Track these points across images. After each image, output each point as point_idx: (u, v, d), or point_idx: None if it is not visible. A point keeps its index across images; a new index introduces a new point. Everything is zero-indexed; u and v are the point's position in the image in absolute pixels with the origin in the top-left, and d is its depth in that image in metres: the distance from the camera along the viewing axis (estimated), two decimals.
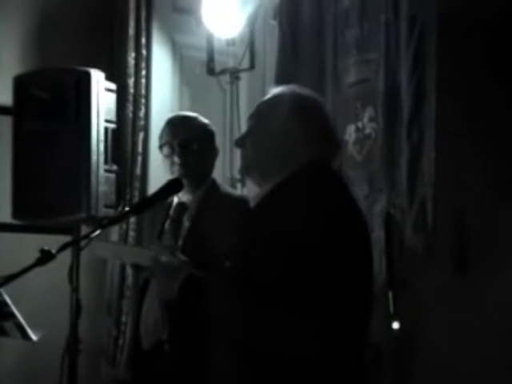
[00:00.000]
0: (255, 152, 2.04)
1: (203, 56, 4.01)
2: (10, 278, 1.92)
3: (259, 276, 1.85)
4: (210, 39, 3.96)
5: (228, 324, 1.89)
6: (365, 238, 1.99)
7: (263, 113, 2.05)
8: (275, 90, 2.08)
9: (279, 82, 3.69)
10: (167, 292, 1.97)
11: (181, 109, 3.95)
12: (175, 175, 2.73)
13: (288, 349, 1.83)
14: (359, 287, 1.93)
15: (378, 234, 3.24)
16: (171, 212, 2.83)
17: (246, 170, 2.09)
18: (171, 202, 2.83)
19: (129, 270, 3.92)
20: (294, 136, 1.98)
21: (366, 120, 3.41)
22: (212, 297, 1.90)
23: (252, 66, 3.96)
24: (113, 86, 3.39)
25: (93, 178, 3.22)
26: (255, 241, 1.91)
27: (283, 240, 1.85)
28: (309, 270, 1.83)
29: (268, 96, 2.08)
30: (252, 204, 2.05)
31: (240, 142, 2.10)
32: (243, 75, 3.99)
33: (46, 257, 1.94)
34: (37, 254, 1.95)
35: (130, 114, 3.96)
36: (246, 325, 1.86)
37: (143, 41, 4.02)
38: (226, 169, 3.92)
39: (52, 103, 3.27)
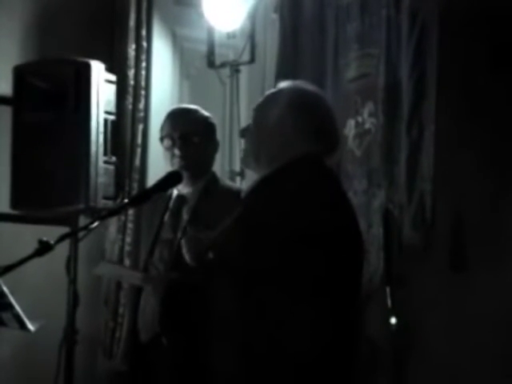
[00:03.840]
0: (252, 143, 2.07)
1: (203, 49, 4.01)
2: (7, 269, 1.92)
3: (241, 264, 1.87)
4: (210, 32, 3.95)
5: (217, 319, 1.90)
6: (353, 232, 2.00)
7: (264, 105, 2.09)
8: (281, 84, 2.11)
9: (279, 75, 3.69)
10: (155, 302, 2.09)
11: (180, 101, 3.94)
12: (175, 167, 2.73)
13: (278, 342, 1.84)
14: (346, 281, 1.94)
15: (376, 230, 3.24)
16: (171, 204, 2.83)
17: (244, 161, 2.13)
18: (171, 194, 2.83)
19: (127, 262, 3.93)
20: (287, 130, 2.01)
21: (365, 115, 3.41)
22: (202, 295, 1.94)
23: (252, 60, 3.95)
24: (113, 77, 3.39)
25: (92, 169, 3.22)
26: (239, 232, 1.93)
27: (266, 231, 1.87)
28: (288, 259, 1.85)
29: (273, 89, 2.11)
30: (242, 195, 2.08)
31: (243, 133, 2.14)
32: (243, 68, 3.98)
33: (44, 248, 1.94)
34: (35, 245, 1.95)
35: (130, 106, 3.95)
36: (232, 322, 1.87)
37: (144, 32, 4.01)
38: (225, 162, 3.92)
39: (52, 94, 3.26)
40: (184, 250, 2.23)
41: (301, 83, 2.12)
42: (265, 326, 1.84)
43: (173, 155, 2.78)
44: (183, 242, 2.35)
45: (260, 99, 2.12)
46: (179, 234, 2.75)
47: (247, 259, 1.87)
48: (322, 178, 2.02)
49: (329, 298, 1.88)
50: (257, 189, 2.02)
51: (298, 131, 2.01)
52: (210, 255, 2.01)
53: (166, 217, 2.82)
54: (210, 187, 2.80)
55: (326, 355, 1.89)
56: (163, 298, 2.46)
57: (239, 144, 3.76)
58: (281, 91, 2.08)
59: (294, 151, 2.00)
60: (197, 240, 2.22)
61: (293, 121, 2.01)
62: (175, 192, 2.83)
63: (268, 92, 2.13)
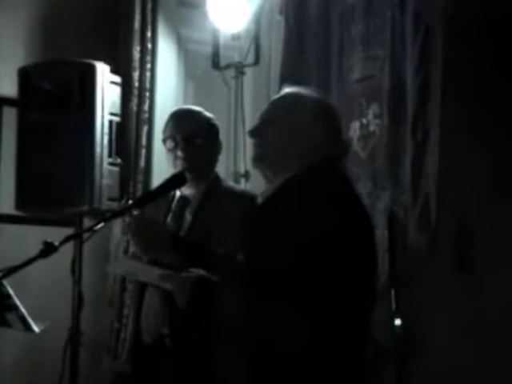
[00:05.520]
0: (271, 145, 2.08)
1: (208, 50, 4.01)
2: (12, 270, 1.93)
3: (269, 269, 1.88)
4: (215, 33, 3.96)
5: (237, 321, 1.91)
6: (369, 235, 2.04)
7: (285, 110, 2.11)
8: (290, 90, 2.16)
9: (284, 77, 3.69)
10: (179, 302, 2.06)
11: (185, 103, 3.94)
12: (178, 169, 2.73)
13: (293, 343, 1.85)
14: (362, 284, 1.96)
15: (381, 232, 3.23)
16: (173, 205, 2.83)
17: (259, 161, 2.13)
18: (173, 195, 2.83)
19: None
20: (313, 137, 2.06)
21: (370, 117, 3.40)
22: (225, 296, 1.94)
23: (257, 61, 3.95)
24: (117, 79, 3.40)
25: (96, 170, 3.22)
26: (266, 235, 1.94)
27: (292, 235, 1.89)
28: (313, 264, 1.87)
29: (285, 94, 2.15)
30: (261, 199, 2.09)
31: (254, 133, 2.14)
32: (248, 70, 3.98)
33: (48, 249, 1.94)
34: (40, 246, 1.96)
35: (135, 108, 3.96)
36: (256, 322, 1.88)
37: (149, 34, 4.02)
38: (229, 164, 3.92)
39: (56, 95, 3.27)
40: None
41: (307, 90, 2.18)
42: (283, 326, 1.85)
43: (176, 157, 2.77)
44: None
45: (280, 100, 2.15)
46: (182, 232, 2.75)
47: (275, 260, 1.88)
48: (343, 182, 2.07)
49: (343, 299, 1.90)
50: (279, 192, 2.04)
51: (323, 138, 2.06)
52: (240, 257, 2.03)
53: (169, 218, 2.82)
54: (212, 189, 2.79)
55: (339, 357, 1.90)
56: (191, 295, 2.39)
57: (243, 145, 3.76)
58: (301, 98, 2.12)
59: (316, 156, 2.04)
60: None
61: (320, 129, 2.07)
62: (178, 193, 2.83)
63: (280, 96, 2.16)
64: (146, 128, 3.98)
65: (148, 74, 4.01)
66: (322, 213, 1.91)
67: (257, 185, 3.04)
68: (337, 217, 1.91)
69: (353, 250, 1.93)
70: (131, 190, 3.92)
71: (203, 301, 2.01)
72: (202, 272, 2.11)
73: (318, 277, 1.87)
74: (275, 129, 2.09)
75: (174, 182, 2.36)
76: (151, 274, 2.38)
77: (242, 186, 3.71)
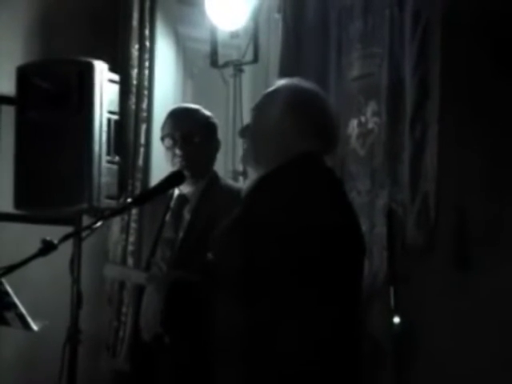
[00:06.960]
0: (252, 142, 2.07)
1: (207, 48, 4.01)
2: (11, 268, 1.93)
3: (239, 264, 1.88)
4: (213, 31, 3.95)
5: (219, 321, 1.91)
6: (352, 231, 2.00)
7: (262, 104, 2.09)
8: (279, 82, 2.10)
9: (282, 75, 3.68)
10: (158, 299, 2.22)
11: (183, 101, 3.94)
12: (176, 167, 2.73)
13: (279, 341, 1.84)
14: (345, 282, 1.94)
15: (379, 230, 3.23)
16: (172, 204, 2.84)
17: (244, 159, 2.14)
18: (172, 194, 2.84)
19: (130, 261, 3.93)
20: (287, 129, 2.01)
21: (369, 114, 3.40)
22: (206, 296, 1.95)
23: (255, 59, 3.95)
24: (116, 77, 3.40)
25: (95, 168, 3.22)
26: (238, 232, 1.94)
27: (264, 230, 1.88)
28: (286, 258, 1.86)
29: (271, 88, 2.11)
30: (242, 195, 2.10)
31: (242, 133, 2.16)
32: (246, 68, 3.98)
33: (47, 247, 1.95)
34: (38, 245, 1.96)
35: (133, 106, 3.96)
36: (235, 321, 1.88)
37: (147, 32, 4.02)
38: (228, 161, 3.92)
39: (55, 94, 3.27)
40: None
41: (298, 80, 2.11)
42: (263, 325, 1.84)
43: (174, 155, 2.78)
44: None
45: (258, 98, 2.12)
46: (181, 234, 2.76)
47: (245, 259, 1.87)
48: (321, 176, 2.02)
49: (328, 297, 1.88)
50: (255, 188, 2.02)
51: (296, 130, 2.01)
52: (210, 256, 2.02)
53: (168, 217, 2.82)
54: (211, 187, 2.80)
55: (328, 356, 1.89)
56: (167, 296, 2.47)
57: (242, 143, 3.76)
58: (278, 90, 2.08)
59: (293, 150, 2.00)
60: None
61: (291, 120, 2.01)
62: (176, 192, 2.83)
63: (266, 91, 2.13)
64: (144, 126, 3.98)
65: (146, 72, 4.01)
66: (290, 209, 1.88)
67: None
68: (307, 213, 1.88)
69: (328, 247, 1.89)
70: (130, 188, 3.92)
71: (180, 299, 2.17)
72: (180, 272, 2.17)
73: (287, 273, 1.85)
74: (252, 127, 2.09)
75: (173, 180, 2.36)
76: (140, 276, 2.66)
77: (241, 184, 3.71)
